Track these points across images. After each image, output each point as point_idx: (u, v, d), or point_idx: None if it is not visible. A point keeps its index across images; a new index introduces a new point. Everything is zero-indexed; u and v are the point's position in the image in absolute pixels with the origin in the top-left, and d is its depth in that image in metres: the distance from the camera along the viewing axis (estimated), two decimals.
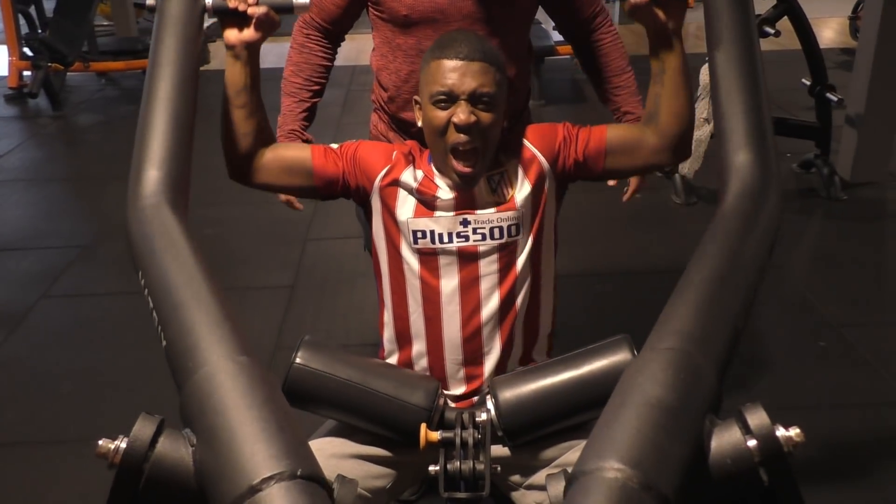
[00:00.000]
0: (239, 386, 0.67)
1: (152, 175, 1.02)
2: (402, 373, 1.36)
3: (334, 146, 1.43)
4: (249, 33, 1.29)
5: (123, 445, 0.65)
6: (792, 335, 2.80)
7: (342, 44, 1.83)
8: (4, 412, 2.46)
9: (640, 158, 1.40)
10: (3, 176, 4.54)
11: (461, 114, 1.28)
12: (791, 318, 2.91)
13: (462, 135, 1.29)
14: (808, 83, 4.05)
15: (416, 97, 1.41)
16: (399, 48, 1.67)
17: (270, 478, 0.58)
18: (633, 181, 1.82)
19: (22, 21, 6.07)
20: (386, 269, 1.44)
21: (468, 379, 1.42)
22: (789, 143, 4.16)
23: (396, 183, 1.38)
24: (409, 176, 1.38)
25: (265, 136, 1.39)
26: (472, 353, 1.40)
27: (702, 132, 3.72)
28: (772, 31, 3.84)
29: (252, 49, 1.31)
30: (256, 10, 1.27)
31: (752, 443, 0.63)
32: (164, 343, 0.76)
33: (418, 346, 1.43)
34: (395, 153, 1.41)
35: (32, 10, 6.26)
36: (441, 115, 1.31)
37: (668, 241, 3.46)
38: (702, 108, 3.73)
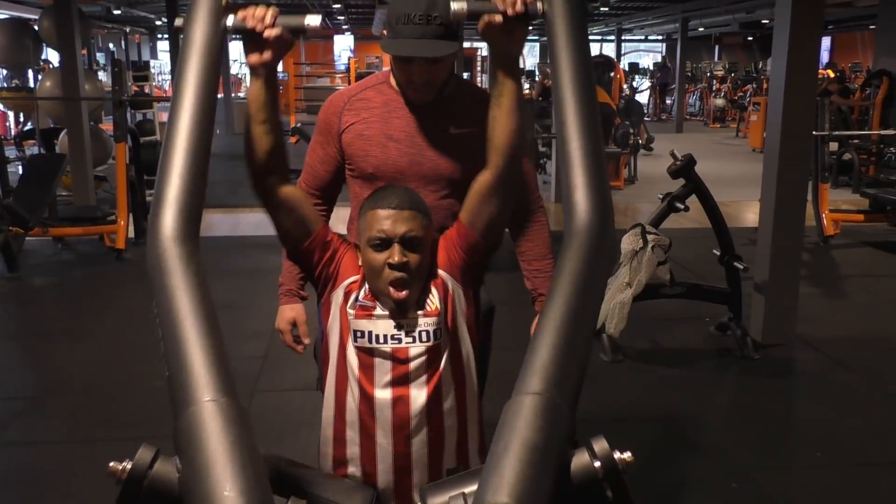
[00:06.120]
0: (217, 428, 0.87)
1: (169, 212, 1.12)
2: (339, 481, 1.54)
3: (338, 236, 1.64)
4: (268, 54, 1.45)
5: (129, 466, 0.85)
6: (706, 477, 3.02)
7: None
8: None
9: (491, 203, 1.57)
10: None
11: (395, 255, 1.52)
12: (706, 463, 3.13)
13: (396, 272, 1.52)
14: (718, 253, 4.49)
15: (356, 242, 1.66)
16: None
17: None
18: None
19: None
20: (334, 359, 1.61)
21: (400, 473, 1.57)
22: (707, 307, 4.55)
23: (353, 290, 1.59)
24: (363, 290, 1.59)
25: (282, 151, 1.56)
26: (403, 447, 1.56)
27: (624, 295, 4.07)
28: (682, 207, 4.32)
29: (270, 69, 1.48)
30: (272, 33, 1.41)
31: (597, 464, 0.86)
32: (167, 374, 0.95)
33: (352, 435, 1.58)
34: (359, 272, 1.62)
35: None
36: (378, 257, 1.54)
37: (596, 396, 3.71)
38: (623, 274, 4.10)
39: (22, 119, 11.33)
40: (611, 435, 0.89)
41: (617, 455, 0.86)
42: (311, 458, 1.68)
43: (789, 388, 4.02)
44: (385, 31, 1.81)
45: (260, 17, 1.40)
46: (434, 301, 1.59)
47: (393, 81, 1.95)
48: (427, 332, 1.56)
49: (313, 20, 1.41)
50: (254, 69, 1.48)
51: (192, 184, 1.15)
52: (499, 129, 1.54)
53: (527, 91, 11.65)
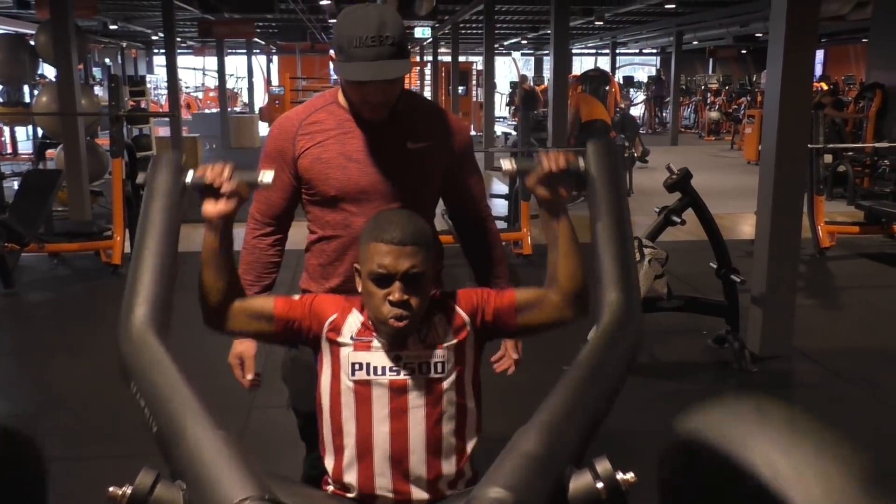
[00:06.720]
0: (218, 450, 0.88)
1: (140, 308, 1.27)
2: (339, 499, 1.53)
3: (296, 297, 1.67)
4: (223, 206, 1.55)
5: (129, 491, 0.85)
6: None
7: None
8: None
9: (547, 313, 1.64)
10: None
11: (396, 293, 1.51)
12: None
13: (396, 308, 1.51)
14: (715, 266, 4.49)
15: (356, 265, 1.65)
16: (328, 224, 1.95)
17: (245, 498, 0.78)
18: (507, 356, 2.09)
19: None
20: (327, 401, 1.61)
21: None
22: (704, 320, 4.54)
23: (341, 326, 1.60)
24: (353, 320, 1.61)
25: (235, 291, 1.63)
26: (402, 478, 1.55)
27: None
28: (678, 221, 4.33)
29: (227, 220, 1.57)
30: (228, 187, 1.53)
31: (599, 484, 0.86)
32: (154, 429, 0.97)
33: (349, 473, 1.57)
34: (343, 303, 1.64)
35: None
36: (378, 291, 1.53)
37: None
38: None
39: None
40: (607, 449, 0.89)
41: (619, 476, 0.86)
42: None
43: (787, 400, 3.98)
44: (334, 55, 1.79)
45: (218, 172, 1.53)
46: (438, 337, 1.59)
47: (342, 101, 1.92)
48: (428, 364, 1.56)
49: (266, 177, 1.59)
50: (210, 221, 1.56)
51: (160, 288, 1.36)
52: (561, 272, 1.62)
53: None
